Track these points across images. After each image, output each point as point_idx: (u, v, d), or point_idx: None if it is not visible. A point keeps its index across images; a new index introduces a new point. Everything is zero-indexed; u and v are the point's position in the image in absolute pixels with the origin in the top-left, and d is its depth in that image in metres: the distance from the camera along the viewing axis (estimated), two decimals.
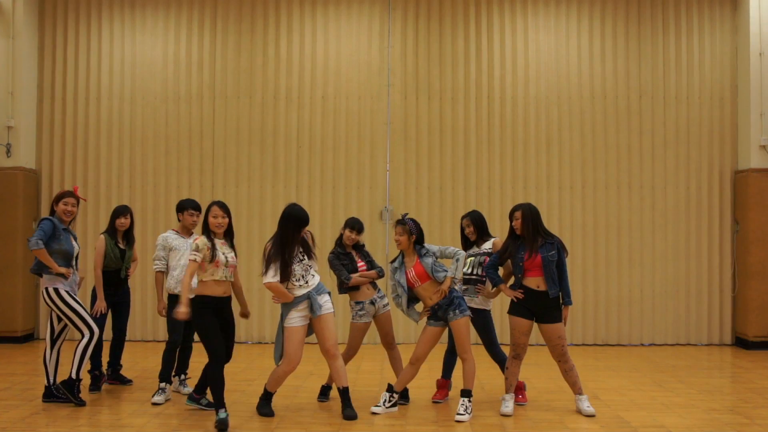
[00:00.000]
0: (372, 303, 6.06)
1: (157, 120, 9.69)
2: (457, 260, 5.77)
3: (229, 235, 5.52)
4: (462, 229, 6.31)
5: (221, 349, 5.33)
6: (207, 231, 5.42)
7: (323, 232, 9.20)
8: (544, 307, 5.70)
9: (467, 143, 9.62)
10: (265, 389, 5.70)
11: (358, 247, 6.22)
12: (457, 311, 5.68)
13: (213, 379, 5.30)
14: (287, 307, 5.50)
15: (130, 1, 9.78)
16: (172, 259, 6.22)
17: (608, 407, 6.02)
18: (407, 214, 6.00)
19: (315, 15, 9.74)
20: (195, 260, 5.25)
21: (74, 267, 6.08)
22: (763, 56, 9.22)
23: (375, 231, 9.44)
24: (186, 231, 6.37)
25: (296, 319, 5.47)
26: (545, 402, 6.21)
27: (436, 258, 5.81)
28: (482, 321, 6.09)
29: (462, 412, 5.62)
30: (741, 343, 9.32)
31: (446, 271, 5.74)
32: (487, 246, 6.15)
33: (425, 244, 5.87)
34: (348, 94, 9.68)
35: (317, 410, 5.87)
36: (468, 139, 9.62)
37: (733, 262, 9.52)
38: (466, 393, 5.70)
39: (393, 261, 5.93)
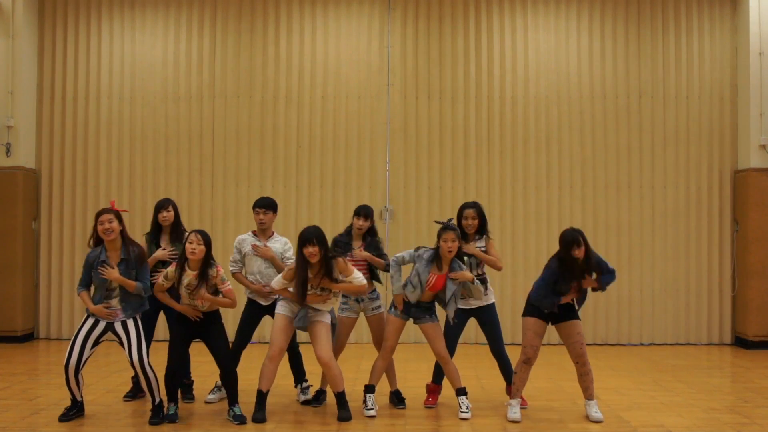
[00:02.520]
0: (357, 301, 5.92)
1: (157, 120, 9.69)
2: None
3: (205, 265, 5.33)
4: (458, 219, 5.94)
5: (174, 359, 5.40)
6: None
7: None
8: (561, 309, 5.61)
9: (467, 143, 9.62)
10: (257, 391, 5.58)
11: (369, 236, 5.93)
12: (433, 316, 5.69)
13: (166, 378, 5.39)
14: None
15: (130, 1, 9.78)
16: (247, 262, 6.03)
17: (608, 407, 6.01)
18: (452, 219, 5.76)
19: (315, 15, 9.74)
20: (162, 285, 5.48)
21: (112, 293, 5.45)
22: (763, 56, 9.22)
23: None
24: (260, 232, 6.09)
25: (282, 307, 5.55)
26: (545, 402, 6.21)
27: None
28: (492, 315, 5.96)
29: (465, 410, 5.64)
30: (741, 342, 9.32)
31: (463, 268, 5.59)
32: (480, 244, 5.92)
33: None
34: (348, 94, 9.68)
35: (316, 410, 5.87)
36: (468, 139, 9.63)
37: (733, 262, 9.52)
38: (461, 391, 5.71)
39: (426, 252, 5.59)
